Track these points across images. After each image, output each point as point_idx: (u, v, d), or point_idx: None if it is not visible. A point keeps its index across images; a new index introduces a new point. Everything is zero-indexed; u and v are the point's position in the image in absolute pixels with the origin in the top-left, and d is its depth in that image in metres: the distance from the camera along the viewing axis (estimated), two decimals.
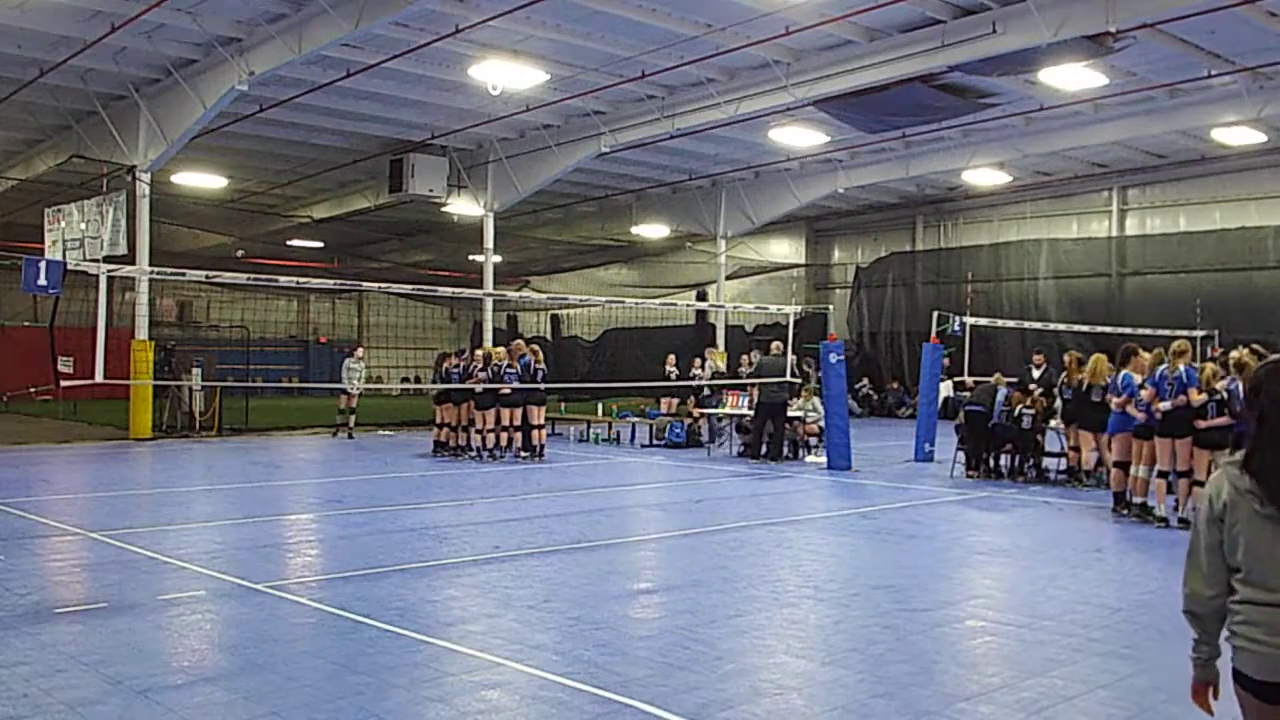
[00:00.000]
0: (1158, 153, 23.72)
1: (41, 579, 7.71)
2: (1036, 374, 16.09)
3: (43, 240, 20.93)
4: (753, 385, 16.52)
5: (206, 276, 14.59)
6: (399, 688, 5.17)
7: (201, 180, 24.76)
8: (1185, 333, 18.02)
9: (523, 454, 16.45)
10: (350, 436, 20.53)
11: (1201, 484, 10.30)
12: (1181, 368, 10.28)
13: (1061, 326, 22.34)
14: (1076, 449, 13.34)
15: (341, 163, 24.96)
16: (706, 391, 19.55)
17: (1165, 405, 10.29)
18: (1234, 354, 10.79)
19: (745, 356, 18.89)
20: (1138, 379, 10.81)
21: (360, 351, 22.18)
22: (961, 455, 14.44)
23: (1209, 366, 10.48)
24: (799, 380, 16.86)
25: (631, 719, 4.80)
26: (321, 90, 18.91)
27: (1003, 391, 14.14)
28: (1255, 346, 11.00)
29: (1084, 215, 26.71)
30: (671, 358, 21.71)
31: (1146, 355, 11.05)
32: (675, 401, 22.41)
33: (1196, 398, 10.09)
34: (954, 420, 15.35)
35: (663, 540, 9.95)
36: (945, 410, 18.90)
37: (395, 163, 23.29)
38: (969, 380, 16.82)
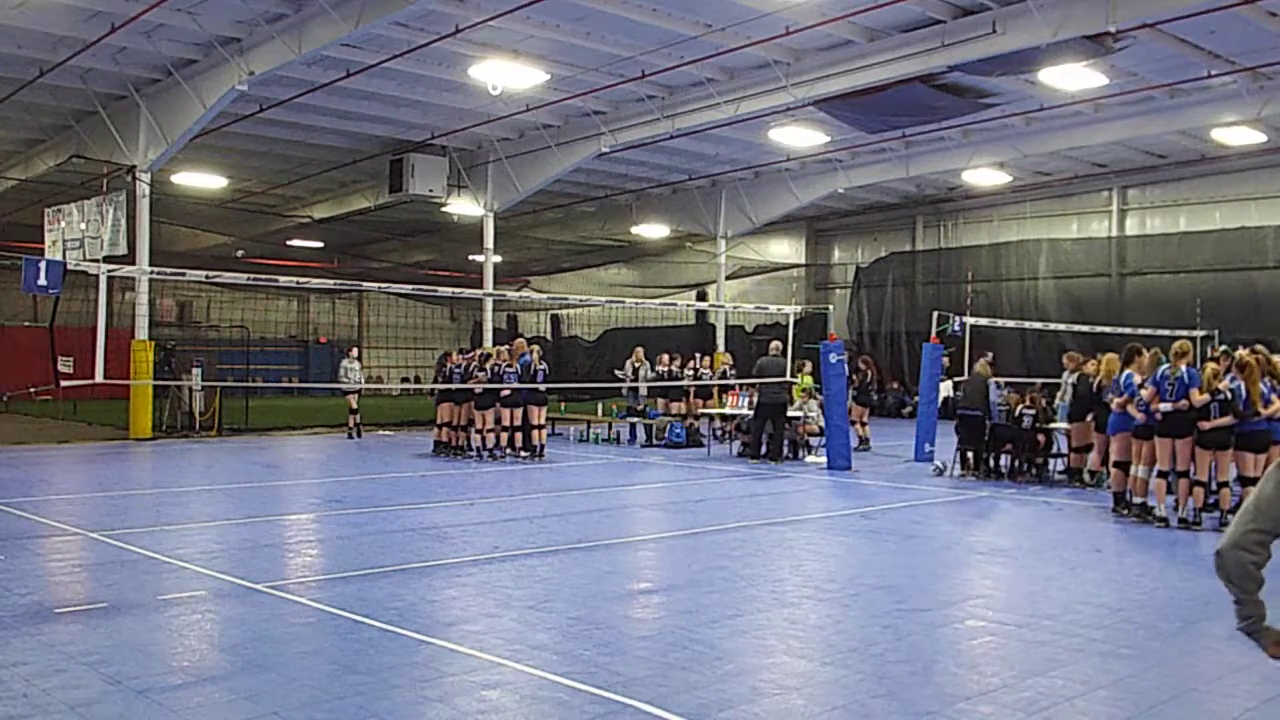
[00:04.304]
0: (1158, 153, 23.72)
1: (41, 579, 7.71)
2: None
3: (43, 240, 20.93)
4: (752, 385, 16.52)
5: (206, 276, 14.59)
6: (399, 688, 5.17)
7: (201, 180, 24.75)
8: (1185, 333, 18.03)
9: (523, 454, 16.45)
10: (358, 436, 20.50)
11: (1202, 484, 10.31)
12: (1183, 368, 10.27)
13: (1061, 326, 22.33)
14: (1078, 451, 13.32)
15: (341, 163, 24.95)
16: (643, 392, 19.75)
17: (1166, 406, 10.29)
18: (1236, 354, 10.78)
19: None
20: (1138, 379, 10.80)
21: (355, 351, 22.26)
22: (966, 456, 14.41)
23: (1210, 366, 10.47)
24: (796, 380, 16.87)
25: (631, 719, 4.80)
26: (321, 90, 18.91)
27: (994, 389, 14.08)
28: (1258, 348, 10.97)
29: (1084, 215, 26.70)
30: (664, 357, 21.65)
31: (1148, 356, 11.06)
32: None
33: (1198, 398, 10.09)
34: (954, 420, 15.33)
35: (663, 540, 9.95)
36: (945, 410, 18.88)
37: (395, 163, 23.28)
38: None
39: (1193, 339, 16.59)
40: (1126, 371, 11.00)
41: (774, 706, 4.97)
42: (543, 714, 4.85)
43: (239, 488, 13.28)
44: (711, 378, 20.52)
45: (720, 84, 18.53)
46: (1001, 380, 14.81)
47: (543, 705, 4.95)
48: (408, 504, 11.65)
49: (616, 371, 21.19)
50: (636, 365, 20.57)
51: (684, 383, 19.97)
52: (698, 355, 21.73)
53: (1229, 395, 10.03)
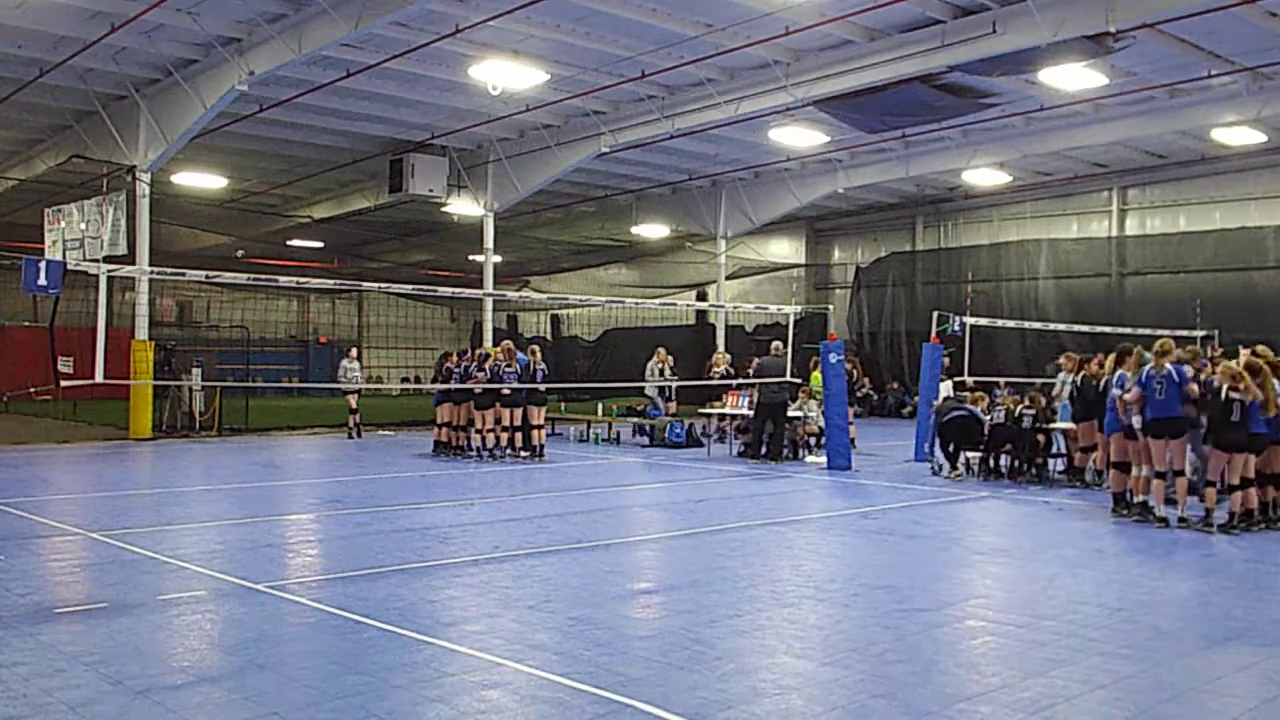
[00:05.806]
0: (1158, 153, 23.73)
1: (41, 579, 7.71)
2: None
3: (43, 240, 20.93)
4: (752, 385, 16.51)
5: (206, 276, 14.57)
6: (399, 688, 5.17)
7: (201, 180, 24.75)
8: (1185, 333, 18.03)
9: (523, 454, 16.45)
10: (358, 436, 20.48)
11: (1213, 485, 10.23)
12: (1168, 366, 10.23)
13: (1061, 326, 22.34)
14: (1085, 451, 13.30)
15: (341, 163, 24.96)
16: (668, 393, 19.69)
17: (1137, 421, 10.30)
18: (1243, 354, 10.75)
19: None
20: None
21: (354, 351, 22.24)
22: (963, 456, 14.41)
23: (1229, 365, 10.40)
24: (799, 380, 16.87)
25: (631, 719, 4.80)
26: (321, 90, 18.92)
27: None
28: (1259, 349, 10.93)
29: (1084, 215, 26.72)
30: (661, 352, 21.58)
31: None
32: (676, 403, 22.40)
33: (1193, 389, 10.11)
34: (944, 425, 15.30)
35: (663, 540, 9.95)
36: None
37: (395, 163, 23.29)
38: (969, 380, 16.81)
39: (1193, 339, 16.58)
40: (1120, 372, 10.99)
41: (774, 706, 4.97)
42: (543, 714, 4.85)
43: (239, 488, 13.28)
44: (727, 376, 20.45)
45: (720, 84, 18.53)
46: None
47: (543, 705, 4.95)
48: (408, 504, 11.65)
49: (653, 371, 21.09)
50: (659, 365, 20.53)
51: (713, 382, 19.90)
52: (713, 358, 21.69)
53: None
